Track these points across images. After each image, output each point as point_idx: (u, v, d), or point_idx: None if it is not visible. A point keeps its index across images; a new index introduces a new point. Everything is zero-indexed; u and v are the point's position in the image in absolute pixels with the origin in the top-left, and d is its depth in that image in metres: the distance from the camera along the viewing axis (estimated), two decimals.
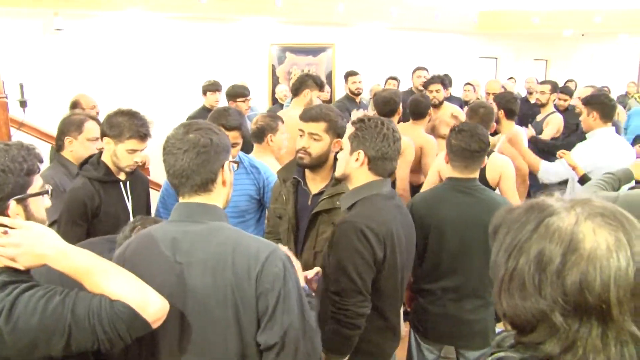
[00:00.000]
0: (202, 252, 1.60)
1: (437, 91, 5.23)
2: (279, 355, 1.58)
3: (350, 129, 2.28)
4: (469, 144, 2.71)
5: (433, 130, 4.85)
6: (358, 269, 2.12)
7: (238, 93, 5.26)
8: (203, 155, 1.63)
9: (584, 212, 0.93)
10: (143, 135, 2.74)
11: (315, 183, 2.66)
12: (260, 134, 3.54)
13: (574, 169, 3.59)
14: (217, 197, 1.69)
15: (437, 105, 5.20)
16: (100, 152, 2.85)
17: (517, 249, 0.97)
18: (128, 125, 2.70)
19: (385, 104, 4.17)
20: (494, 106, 4.32)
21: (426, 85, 5.46)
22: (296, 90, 4.52)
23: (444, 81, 5.43)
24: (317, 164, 2.61)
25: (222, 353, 1.60)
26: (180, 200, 1.69)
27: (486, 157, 2.84)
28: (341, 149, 2.37)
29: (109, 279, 1.44)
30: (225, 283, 1.57)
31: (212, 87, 5.82)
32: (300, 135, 2.62)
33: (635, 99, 8.98)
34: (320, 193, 2.59)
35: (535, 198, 1.03)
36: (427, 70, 6.42)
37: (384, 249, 2.16)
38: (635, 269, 0.88)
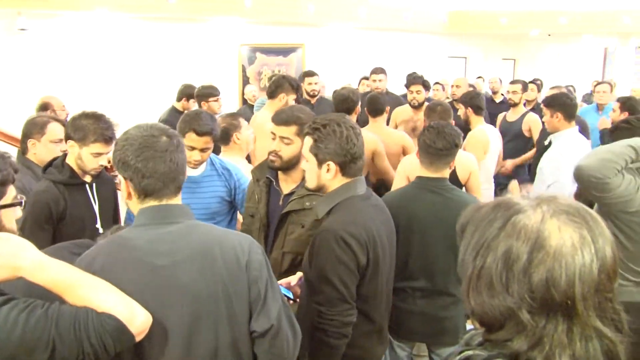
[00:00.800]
0: (186, 250, 1.57)
1: (417, 92, 5.19)
2: (275, 338, 1.65)
3: (308, 141, 2.18)
4: (433, 141, 2.73)
5: (413, 131, 4.89)
6: (342, 278, 2.07)
7: (209, 93, 5.21)
8: (182, 154, 1.65)
9: (549, 210, 0.94)
10: (108, 139, 2.69)
11: (287, 183, 2.64)
12: (225, 136, 3.53)
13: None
14: (180, 195, 1.69)
15: (418, 107, 5.17)
16: (65, 155, 2.79)
17: (484, 247, 0.97)
18: (93, 128, 2.65)
19: (343, 102, 4.19)
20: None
21: (407, 85, 5.43)
22: (272, 93, 4.44)
23: (426, 82, 5.38)
24: (288, 167, 2.60)
25: (214, 347, 1.60)
26: (155, 203, 1.62)
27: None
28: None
29: (94, 292, 1.40)
30: (216, 277, 1.58)
31: (191, 92, 5.60)
32: (272, 138, 2.60)
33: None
34: (292, 193, 2.58)
35: (501, 196, 1.04)
36: (385, 72, 6.26)
37: (366, 253, 2.12)
38: (599, 265, 0.90)
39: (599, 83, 6.91)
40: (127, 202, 1.69)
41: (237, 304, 1.61)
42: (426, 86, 5.32)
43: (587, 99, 8.92)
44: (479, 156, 4.23)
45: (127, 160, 1.59)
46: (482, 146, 4.38)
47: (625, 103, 5.14)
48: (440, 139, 2.73)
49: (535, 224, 0.93)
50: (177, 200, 1.66)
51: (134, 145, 1.59)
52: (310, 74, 6.09)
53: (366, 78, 7.34)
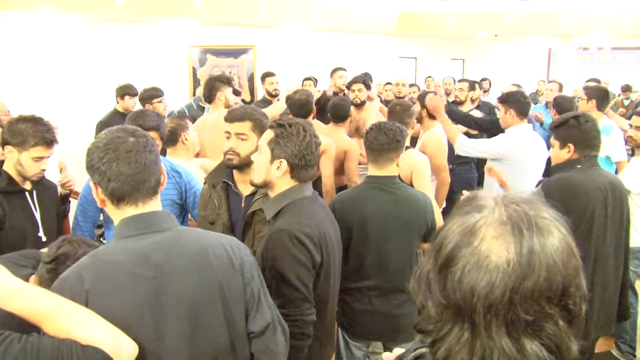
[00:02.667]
0: (181, 259, 1.52)
1: (359, 90, 5.18)
2: (273, 335, 1.70)
3: (269, 133, 2.19)
4: (375, 138, 2.79)
5: (357, 131, 4.85)
6: (300, 277, 2.06)
7: (152, 95, 5.18)
8: (153, 154, 1.56)
9: (496, 214, 0.91)
10: (49, 142, 2.61)
11: (245, 185, 2.61)
12: (173, 136, 3.48)
13: (502, 185, 3.67)
14: (159, 200, 1.61)
15: (359, 105, 5.16)
16: (2, 162, 2.70)
17: (439, 241, 0.96)
18: (32, 132, 2.57)
19: (301, 107, 4.17)
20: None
21: (349, 85, 5.43)
22: (209, 97, 4.43)
23: (367, 81, 5.37)
24: (247, 164, 2.56)
25: (214, 351, 1.58)
26: (133, 210, 1.55)
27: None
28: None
29: (77, 322, 1.30)
30: (212, 282, 1.56)
31: (131, 91, 5.62)
32: (227, 137, 2.59)
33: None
34: (253, 194, 2.56)
35: (477, 190, 1.01)
36: (346, 70, 6.43)
37: (320, 253, 2.13)
38: (516, 285, 0.86)
39: (549, 82, 7.14)
40: (105, 209, 1.60)
41: (234, 306, 1.61)
42: (367, 85, 5.33)
43: (533, 97, 9.17)
44: (442, 154, 4.28)
45: (93, 164, 1.53)
46: (437, 147, 4.38)
47: (559, 104, 5.41)
48: (381, 134, 2.78)
49: (474, 222, 0.92)
50: (156, 204, 1.59)
51: (100, 147, 1.53)
52: (270, 74, 6.30)
53: (308, 78, 7.29)
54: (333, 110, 4.54)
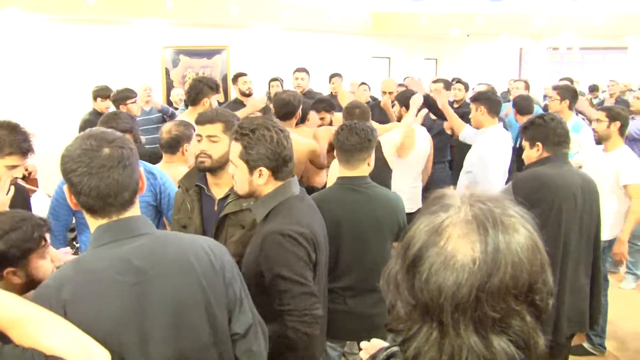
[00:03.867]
0: (162, 262, 1.50)
1: (321, 118, 4.96)
2: (256, 335, 1.68)
3: (236, 147, 2.13)
4: (346, 138, 2.79)
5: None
6: (302, 273, 2.05)
7: (125, 96, 5.13)
8: (128, 169, 1.49)
9: (462, 213, 0.92)
10: (25, 151, 2.54)
11: (219, 187, 2.60)
12: (175, 144, 3.37)
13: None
14: (137, 206, 1.57)
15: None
16: None
17: (406, 241, 0.97)
18: (8, 140, 2.49)
19: (284, 106, 4.15)
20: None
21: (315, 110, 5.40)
22: (193, 100, 4.34)
23: (327, 107, 5.17)
24: (219, 166, 2.55)
25: (198, 355, 1.56)
26: (104, 221, 1.50)
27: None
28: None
29: (44, 331, 1.25)
30: (195, 285, 1.54)
31: (103, 93, 5.59)
32: (199, 140, 2.57)
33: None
34: (226, 197, 2.54)
35: (443, 189, 1.01)
36: (307, 72, 6.52)
37: (315, 250, 2.13)
38: (481, 284, 0.87)
39: (515, 80, 7.25)
40: (84, 216, 1.55)
41: (217, 308, 1.58)
42: (328, 110, 5.02)
43: (505, 96, 9.27)
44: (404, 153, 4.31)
45: (65, 173, 1.47)
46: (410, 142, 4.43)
47: (519, 103, 5.59)
48: (352, 135, 2.78)
49: (440, 221, 0.92)
50: (133, 210, 1.54)
51: (73, 158, 1.46)
52: (243, 74, 6.34)
53: (275, 79, 7.33)
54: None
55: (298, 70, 6.56)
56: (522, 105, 5.52)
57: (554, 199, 2.81)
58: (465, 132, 4.53)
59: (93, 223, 1.52)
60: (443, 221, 0.92)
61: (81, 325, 1.32)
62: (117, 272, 1.44)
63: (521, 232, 0.91)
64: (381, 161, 3.59)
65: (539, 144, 2.96)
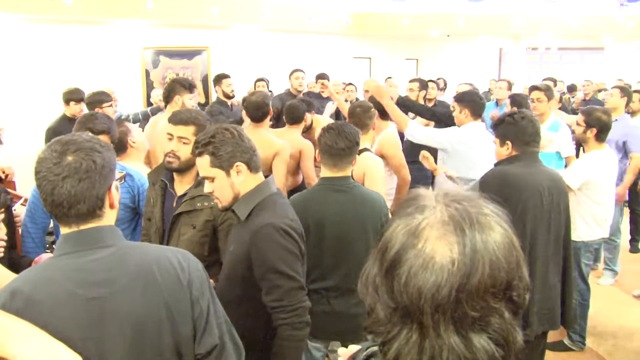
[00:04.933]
0: (124, 277, 1.43)
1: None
2: (219, 357, 1.57)
3: (205, 160, 2.13)
4: (335, 142, 2.75)
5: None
6: (294, 266, 2.12)
7: (100, 100, 5.04)
8: (86, 181, 1.41)
9: (438, 214, 0.92)
10: None
11: (181, 185, 2.64)
12: (121, 143, 3.35)
13: (433, 170, 3.89)
14: (108, 219, 1.50)
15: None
16: None
17: (383, 244, 0.96)
18: None
19: (257, 109, 4.14)
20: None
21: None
22: (166, 98, 4.41)
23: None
24: (186, 168, 2.59)
25: None
26: (68, 229, 1.45)
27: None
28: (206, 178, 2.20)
29: (9, 338, 1.21)
30: (158, 300, 1.46)
31: (76, 96, 5.46)
32: (169, 139, 2.59)
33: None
34: (184, 195, 2.58)
35: (417, 190, 1.01)
36: (304, 72, 6.52)
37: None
38: (461, 283, 0.87)
39: (498, 80, 7.34)
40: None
41: (182, 325, 1.50)
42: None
43: (485, 96, 9.36)
44: (397, 154, 4.30)
45: (34, 174, 1.43)
46: (393, 146, 4.41)
47: (515, 100, 5.56)
48: (341, 139, 2.75)
49: (417, 223, 0.92)
50: (102, 221, 1.48)
51: (39, 159, 1.43)
52: (227, 75, 6.29)
53: (261, 79, 7.33)
54: (288, 112, 4.56)
55: (297, 70, 6.54)
56: (520, 102, 5.46)
57: (519, 198, 2.83)
58: (410, 129, 4.24)
59: (61, 229, 1.48)
60: (420, 223, 0.91)
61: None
62: (75, 285, 1.38)
63: (497, 230, 0.91)
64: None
65: (509, 142, 2.98)
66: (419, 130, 4.24)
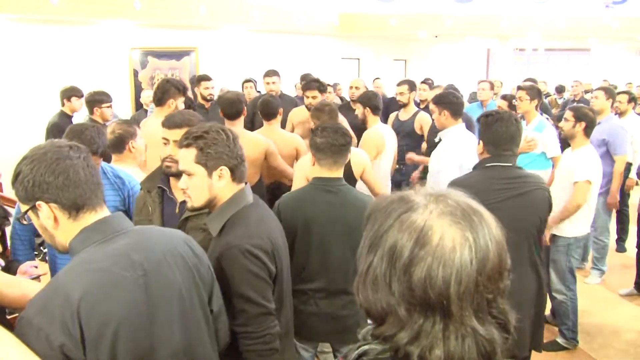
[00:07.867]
0: (155, 254, 1.57)
1: (313, 97, 5.06)
2: (224, 315, 1.85)
3: (190, 152, 2.04)
4: (335, 139, 2.74)
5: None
6: (260, 292, 2.00)
7: (100, 99, 5.05)
8: (93, 167, 1.58)
9: (437, 209, 0.95)
10: None
11: (179, 190, 2.58)
12: (119, 143, 3.36)
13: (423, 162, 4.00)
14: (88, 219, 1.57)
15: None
16: None
17: (375, 242, 0.98)
18: None
19: (231, 105, 4.14)
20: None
21: (303, 90, 5.34)
22: (159, 100, 4.29)
23: (321, 87, 5.20)
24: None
25: (198, 335, 1.67)
26: (93, 216, 1.53)
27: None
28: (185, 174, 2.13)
29: None
30: (188, 271, 1.65)
31: (78, 93, 5.54)
32: (165, 144, 2.54)
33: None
34: None
35: (404, 190, 1.03)
36: (278, 74, 6.30)
37: (274, 262, 2.07)
38: (478, 267, 0.91)
39: (480, 81, 7.36)
40: (54, 234, 1.52)
41: (204, 289, 1.72)
42: (321, 90, 5.25)
43: (473, 97, 9.41)
44: (372, 154, 4.36)
45: (42, 180, 1.45)
46: (376, 145, 4.51)
47: (507, 99, 5.64)
48: (339, 135, 2.76)
49: (421, 222, 0.94)
50: (106, 211, 1.59)
51: (45, 162, 1.46)
52: (206, 78, 6.13)
53: (248, 80, 7.30)
54: (262, 107, 4.57)
55: (268, 74, 6.28)
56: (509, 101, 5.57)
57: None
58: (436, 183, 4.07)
59: (74, 228, 1.51)
60: (424, 220, 0.95)
61: (95, 318, 1.38)
62: (122, 268, 1.48)
63: (488, 215, 0.99)
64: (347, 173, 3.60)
65: (481, 142, 2.96)
66: (440, 182, 4.06)
